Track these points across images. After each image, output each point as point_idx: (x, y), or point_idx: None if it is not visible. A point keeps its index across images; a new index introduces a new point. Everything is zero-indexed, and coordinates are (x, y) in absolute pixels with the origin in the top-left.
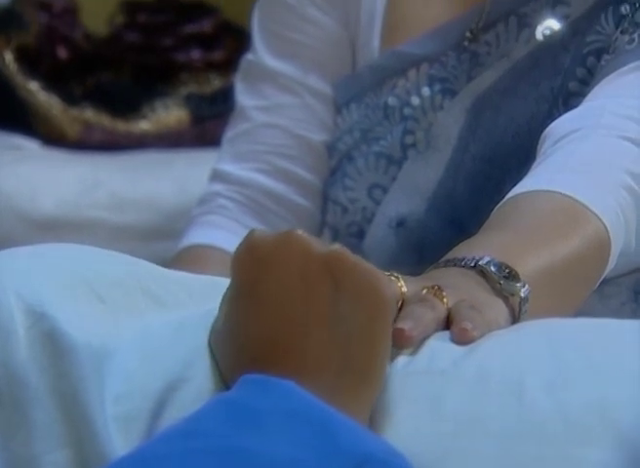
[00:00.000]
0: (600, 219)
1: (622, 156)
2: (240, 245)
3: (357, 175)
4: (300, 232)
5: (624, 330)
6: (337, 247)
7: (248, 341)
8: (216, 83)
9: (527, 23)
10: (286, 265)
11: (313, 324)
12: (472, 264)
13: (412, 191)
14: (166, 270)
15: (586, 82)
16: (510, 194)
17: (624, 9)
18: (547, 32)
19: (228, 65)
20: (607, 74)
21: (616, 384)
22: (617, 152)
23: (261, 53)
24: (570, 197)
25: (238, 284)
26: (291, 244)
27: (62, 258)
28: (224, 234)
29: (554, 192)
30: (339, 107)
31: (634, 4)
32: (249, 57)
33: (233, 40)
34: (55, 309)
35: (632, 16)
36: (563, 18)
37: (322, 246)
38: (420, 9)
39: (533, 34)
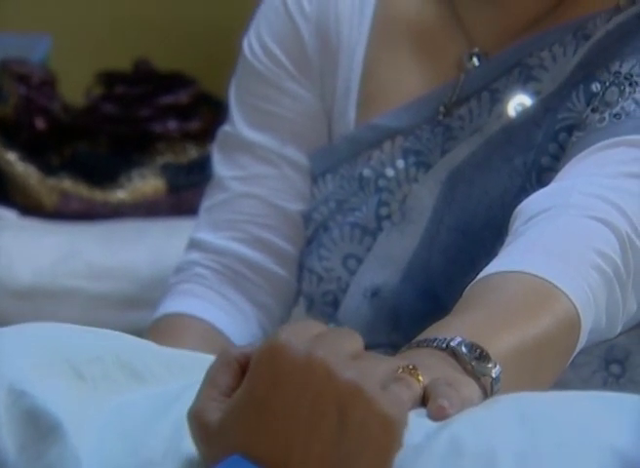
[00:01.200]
0: (570, 299)
1: (591, 236)
2: (264, 348)
3: (332, 246)
4: (323, 354)
5: (597, 403)
6: (358, 376)
7: (244, 451)
8: (192, 153)
9: (499, 99)
10: (301, 390)
11: (312, 462)
12: (444, 346)
13: (386, 262)
14: (144, 343)
15: (558, 157)
16: (482, 274)
17: (595, 87)
18: (519, 108)
19: (204, 136)
20: (578, 152)
21: (587, 459)
22: (585, 232)
23: (239, 124)
24: (540, 278)
25: (252, 391)
26: (313, 370)
27: (42, 337)
28: (201, 303)
29: (525, 273)
30: (314, 178)
31: (604, 83)
32: (226, 128)
33: (209, 111)
34: (35, 387)
35: (603, 94)
36: (534, 93)
37: (345, 370)
38: (395, 82)
39: (504, 110)
